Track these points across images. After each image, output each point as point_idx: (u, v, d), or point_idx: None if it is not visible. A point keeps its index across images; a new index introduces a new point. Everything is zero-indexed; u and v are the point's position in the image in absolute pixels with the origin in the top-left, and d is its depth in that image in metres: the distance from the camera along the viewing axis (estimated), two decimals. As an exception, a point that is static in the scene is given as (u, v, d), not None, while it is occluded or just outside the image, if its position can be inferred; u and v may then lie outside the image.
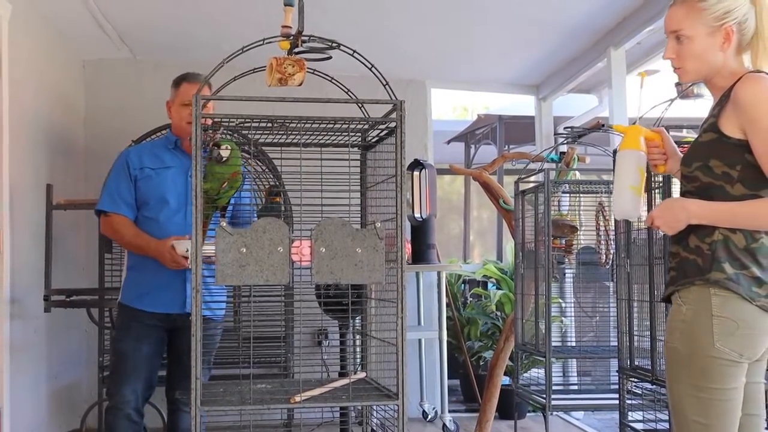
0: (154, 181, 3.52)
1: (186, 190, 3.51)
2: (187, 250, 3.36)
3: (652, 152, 2.48)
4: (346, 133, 2.89)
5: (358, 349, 4.62)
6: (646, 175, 2.47)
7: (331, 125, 2.72)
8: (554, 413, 4.45)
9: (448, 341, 5.56)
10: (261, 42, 2.64)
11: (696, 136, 2.40)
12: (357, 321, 4.43)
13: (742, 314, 2.17)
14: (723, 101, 2.26)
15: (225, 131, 3.06)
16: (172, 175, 3.54)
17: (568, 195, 4.97)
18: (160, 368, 3.61)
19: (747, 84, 2.21)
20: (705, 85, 2.43)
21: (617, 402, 3.90)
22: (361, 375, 3.09)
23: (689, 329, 2.20)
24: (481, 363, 6.58)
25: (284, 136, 2.93)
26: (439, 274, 5.27)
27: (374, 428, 3.17)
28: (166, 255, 3.38)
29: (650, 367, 3.51)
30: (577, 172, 4.93)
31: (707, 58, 2.30)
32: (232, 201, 3.45)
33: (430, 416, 5.82)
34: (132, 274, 3.58)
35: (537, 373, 5.43)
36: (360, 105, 2.86)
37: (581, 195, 4.85)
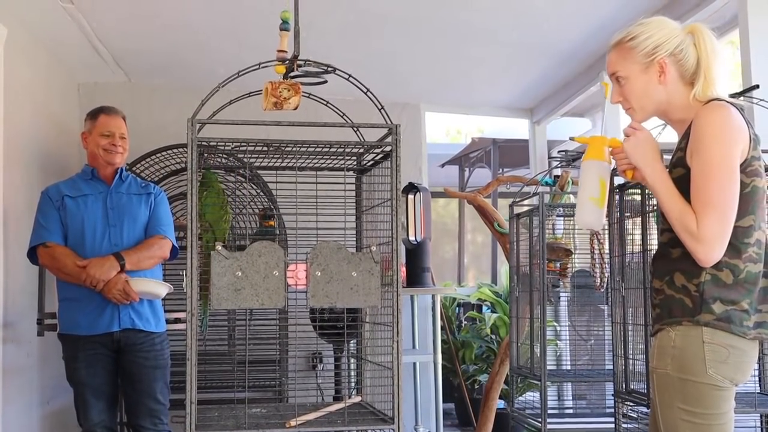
0: (75, 208, 3.67)
1: (106, 215, 3.69)
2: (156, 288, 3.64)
3: (621, 158, 2.48)
4: (342, 157, 2.90)
5: (353, 373, 4.60)
6: (608, 185, 2.47)
7: (327, 149, 2.73)
8: (550, 437, 4.43)
9: (442, 365, 5.54)
10: (257, 66, 2.65)
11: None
12: (352, 345, 4.42)
13: (733, 342, 2.17)
14: (689, 133, 2.25)
15: (220, 155, 3.07)
16: (90, 202, 3.70)
17: (562, 218, 4.98)
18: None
19: (703, 113, 2.21)
20: (663, 120, 2.43)
21: (613, 426, 3.88)
22: (357, 399, 3.08)
23: (681, 355, 2.19)
24: (476, 386, 6.57)
25: (279, 160, 2.94)
26: (433, 297, 5.26)
27: (369, 453, 3.15)
28: (118, 285, 3.52)
29: (646, 391, 3.50)
30: (571, 196, 4.94)
31: (649, 94, 2.32)
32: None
33: (425, 440, 5.79)
34: (66, 305, 3.68)
35: (532, 396, 5.42)
36: (355, 129, 2.87)
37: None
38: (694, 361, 2.17)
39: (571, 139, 2.87)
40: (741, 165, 2.18)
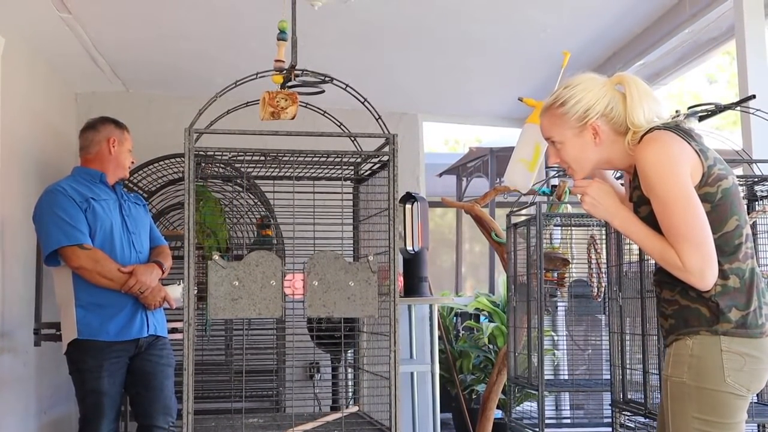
0: (102, 212, 3.62)
1: (124, 222, 3.70)
2: (181, 294, 3.65)
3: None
4: (339, 167, 2.90)
5: (350, 383, 4.59)
6: (543, 151, 2.50)
7: (324, 158, 2.73)
8: (547, 447, 4.42)
9: (440, 374, 5.54)
10: (254, 76, 2.65)
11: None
12: (349, 354, 4.41)
13: (750, 349, 2.18)
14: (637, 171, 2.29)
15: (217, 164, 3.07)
16: (111, 207, 3.68)
17: (559, 228, 4.98)
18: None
19: (643, 149, 2.23)
20: (610, 170, 2.46)
21: (610, 436, 3.88)
22: (354, 409, 3.08)
23: (698, 364, 2.19)
24: (474, 396, 6.55)
25: (277, 170, 2.94)
26: (431, 307, 5.25)
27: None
28: (162, 293, 3.65)
29: (643, 401, 3.50)
30: (568, 205, 4.95)
31: (586, 157, 2.35)
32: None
33: (422, 450, 5.77)
34: (90, 310, 3.56)
35: (530, 406, 5.41)
36: (353, 138, 2.88)
37: (573, 228, 4.87)
38: (712, 370, 2.17)
39: (520, 99, 2.88)
40: (700, 181, 2.19)
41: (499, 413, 5.61)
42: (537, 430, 4.38)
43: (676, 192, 2.16)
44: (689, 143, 2.22)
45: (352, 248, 3.19)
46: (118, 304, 3.56)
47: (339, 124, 3.00)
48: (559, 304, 5.24)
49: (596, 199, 2.32)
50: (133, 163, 3.88)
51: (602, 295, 4.52)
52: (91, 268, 3.52)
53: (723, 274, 2.19)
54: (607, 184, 2.36)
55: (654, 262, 2.36)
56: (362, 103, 2.68)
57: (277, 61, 2.79)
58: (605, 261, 4.24)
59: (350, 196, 3.15)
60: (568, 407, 6.02)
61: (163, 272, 3.72)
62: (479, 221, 5.33)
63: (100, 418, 3.52)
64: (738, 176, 3.72)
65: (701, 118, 3.61)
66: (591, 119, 2.31)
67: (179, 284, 3.77)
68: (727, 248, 2.20)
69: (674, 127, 2.25)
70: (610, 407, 3.92)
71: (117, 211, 3.70)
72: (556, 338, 5.85)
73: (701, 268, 2.15)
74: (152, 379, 3.64)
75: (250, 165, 2.84)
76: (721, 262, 2.19)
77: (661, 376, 3.28)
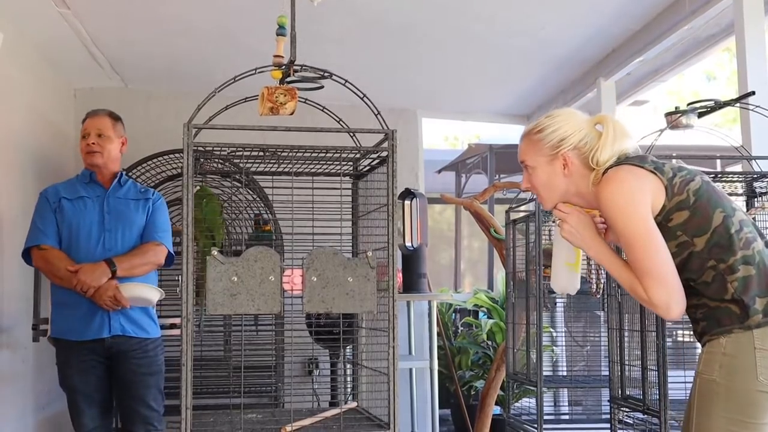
0: (71, 211, 3.62)
1: (102, 219, 3.64)
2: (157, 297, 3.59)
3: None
4: (338, 162, 2.89)
5: (349, 379, 4.59)
6: (582, 250, 2.52)
7: (323, 154, 2.72)
8: (546, 443, 4.42)
9: (439, 371, 5.54)
10: (253, 71, 2.65)
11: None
12: (348, 350, 4.41)
13: None
14: None
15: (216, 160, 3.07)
16: (88, 205, 3.65)
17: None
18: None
19: (602, 189, 2.29)
20: (583, 205, 2.49)
21: (609, 432, 3.88)
22: (352, 405, 3.07)
23: (731, 363, 2.18)
24: (473, 393, 6.55)
25: (276, 165, 2.94)
26: (430, 303, 5.25)
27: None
28: (108, 292, 3.45)
29: (641, 397, 3.50)
30: (567, 202, 4.94)
31: (553, 185, 2.42)
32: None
33: (421, 447, 5.76)
34: (59, 309, 3.62)
35: (528, 402, 5.40)
36: (352, 134, 2.87)
37: (572, 224, 4.85)
38: (744, 368, 2.17)
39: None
40: (667, 195, 2.24)
41: (497, 409, 5.61)
42: (535, 426, 4.38)
43: (634, 229, 2.22)
44: (643, 167, 2.26)
45: (350, 244, 3.18)
46: (77, 303, 3.53)
47: (338, 119, 2.99)
48: (557, 300, 5.24)
49: (575, 228, 2.39)
50: (94, 144, 3.69)
51: (601, 292, 4.52)
52: (45, 269, 3.63)
53: (731, 270, 2.20)
54: (586, 216, 2.42)
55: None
56: (361, 98, 2.67)
57: (276, 56, 2.78)
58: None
59: (349, 192, 3.15)
60: (567, 403, 6.02)
61: (113, 272, 3.48)
62: (478, 218, 5.33)
63: (79, 414, 3.58)
64: (737, 173, 3.72)
65: (700, 115, 3.61)
66: (563, 149, 2.38)
67: (158, 287, 3.66)
68: (723, 242, 2.20)
69: (625, 160, 2.31)
70: (608, 403, 3.92)
71: (97, 208, 3.65)
72: (554, 335, 5.85)
73: (666, 302, 2.20)
74: (132, 388, 3.63)
75: (249, 160, 2.84)
76: (724, 258, 2.20)
77: (659, 373, 3.29)
